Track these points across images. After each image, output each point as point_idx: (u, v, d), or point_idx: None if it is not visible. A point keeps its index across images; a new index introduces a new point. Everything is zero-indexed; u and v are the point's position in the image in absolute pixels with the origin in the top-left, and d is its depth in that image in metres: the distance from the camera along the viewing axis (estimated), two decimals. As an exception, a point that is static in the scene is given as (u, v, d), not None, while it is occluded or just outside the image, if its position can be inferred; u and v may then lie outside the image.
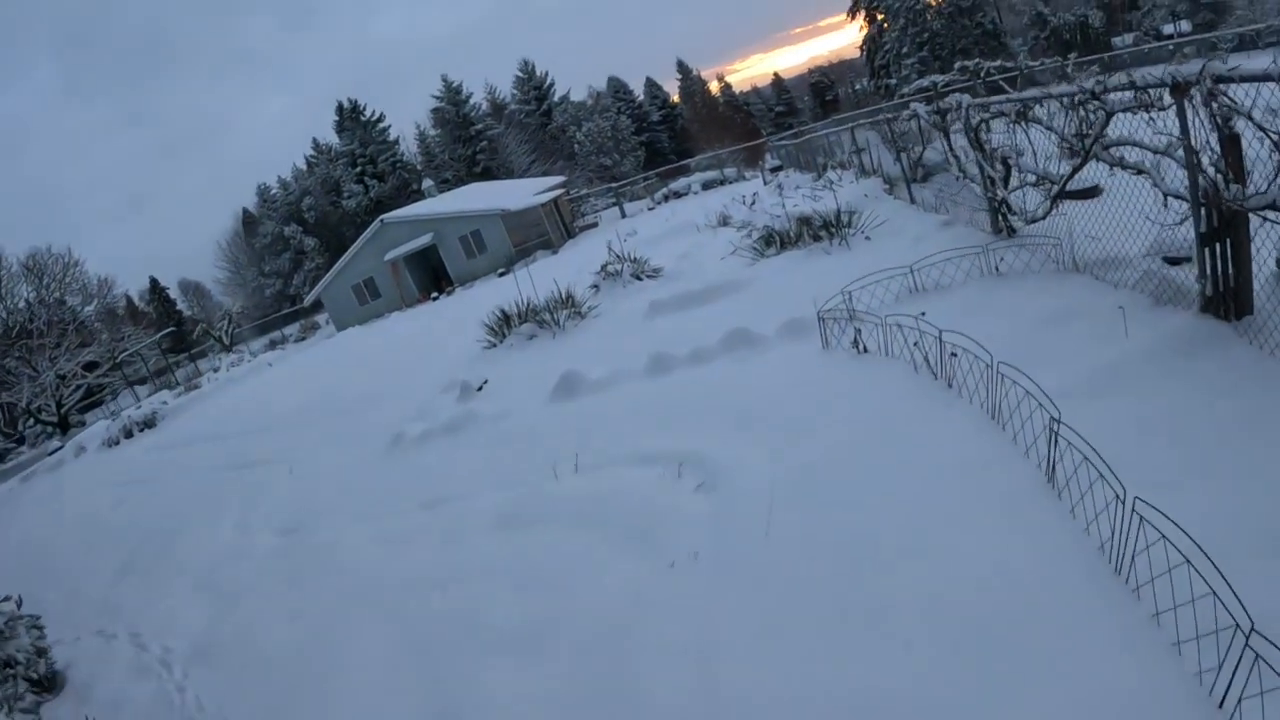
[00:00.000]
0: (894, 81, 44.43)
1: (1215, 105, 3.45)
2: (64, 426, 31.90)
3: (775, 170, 26.87)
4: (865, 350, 5.37)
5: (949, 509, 3.29)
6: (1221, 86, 3.40)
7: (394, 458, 7.33)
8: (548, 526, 4.64)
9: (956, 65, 10.94)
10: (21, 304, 34.37)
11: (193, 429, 14.86)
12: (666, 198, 33.86)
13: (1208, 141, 3.64)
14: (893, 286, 6.26)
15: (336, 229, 53.15)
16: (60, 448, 19.96)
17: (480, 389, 8.35)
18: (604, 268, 11.87)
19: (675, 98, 71.86)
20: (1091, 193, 5.88)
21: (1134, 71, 4.64)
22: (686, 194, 33.29)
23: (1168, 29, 36.37)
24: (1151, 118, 4.04)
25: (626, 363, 7.01)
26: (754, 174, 33.03)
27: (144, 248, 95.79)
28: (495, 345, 10.19)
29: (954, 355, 4.27)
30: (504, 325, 10.33)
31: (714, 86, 76.98)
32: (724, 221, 15.57)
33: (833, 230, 9.54)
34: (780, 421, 4.77)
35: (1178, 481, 2.84)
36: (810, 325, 6.11)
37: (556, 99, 62.92)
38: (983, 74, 10.29)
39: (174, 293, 66.94)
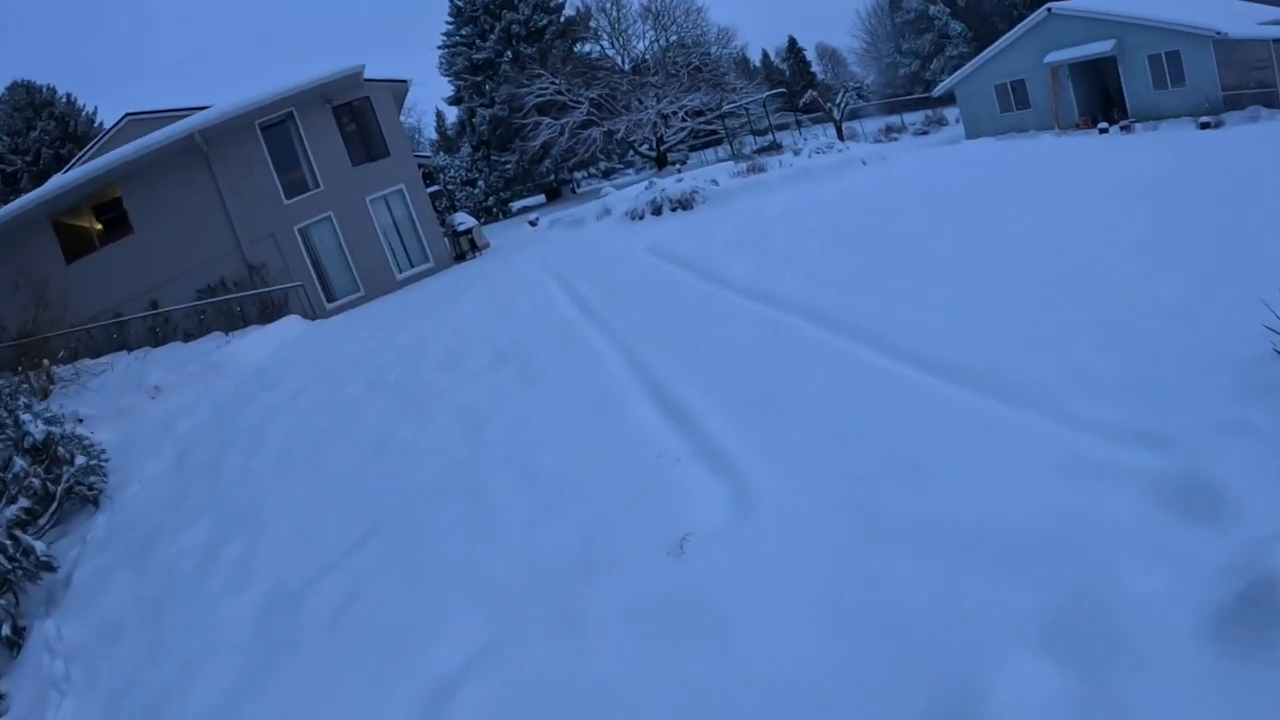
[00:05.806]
0: None
1: None
2: (661, 162, 34.19)
3: None
4: None
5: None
6: None
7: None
8: None
9: None
10: (640, 45, 36.25)
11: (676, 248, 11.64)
12: None
13: None
14: None
15: (988, 18, 45.79)
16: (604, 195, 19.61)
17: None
18: None
19: None
20: None
21: None
22: None
23: None
24: None
25: None
26: None
27: (783, 7, 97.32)
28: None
29: None
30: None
31: None
32: None
33: None
34: None
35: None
36: None
37: None
38: None
39: (810, 54, 67.10)
